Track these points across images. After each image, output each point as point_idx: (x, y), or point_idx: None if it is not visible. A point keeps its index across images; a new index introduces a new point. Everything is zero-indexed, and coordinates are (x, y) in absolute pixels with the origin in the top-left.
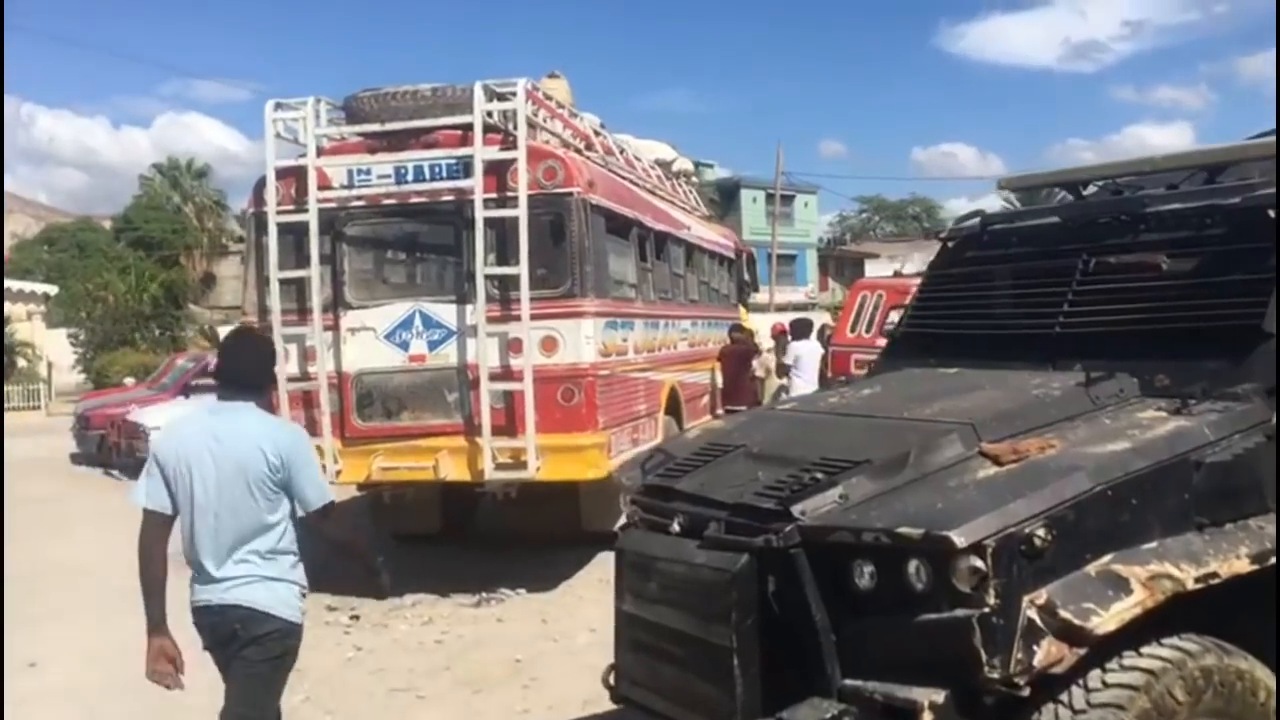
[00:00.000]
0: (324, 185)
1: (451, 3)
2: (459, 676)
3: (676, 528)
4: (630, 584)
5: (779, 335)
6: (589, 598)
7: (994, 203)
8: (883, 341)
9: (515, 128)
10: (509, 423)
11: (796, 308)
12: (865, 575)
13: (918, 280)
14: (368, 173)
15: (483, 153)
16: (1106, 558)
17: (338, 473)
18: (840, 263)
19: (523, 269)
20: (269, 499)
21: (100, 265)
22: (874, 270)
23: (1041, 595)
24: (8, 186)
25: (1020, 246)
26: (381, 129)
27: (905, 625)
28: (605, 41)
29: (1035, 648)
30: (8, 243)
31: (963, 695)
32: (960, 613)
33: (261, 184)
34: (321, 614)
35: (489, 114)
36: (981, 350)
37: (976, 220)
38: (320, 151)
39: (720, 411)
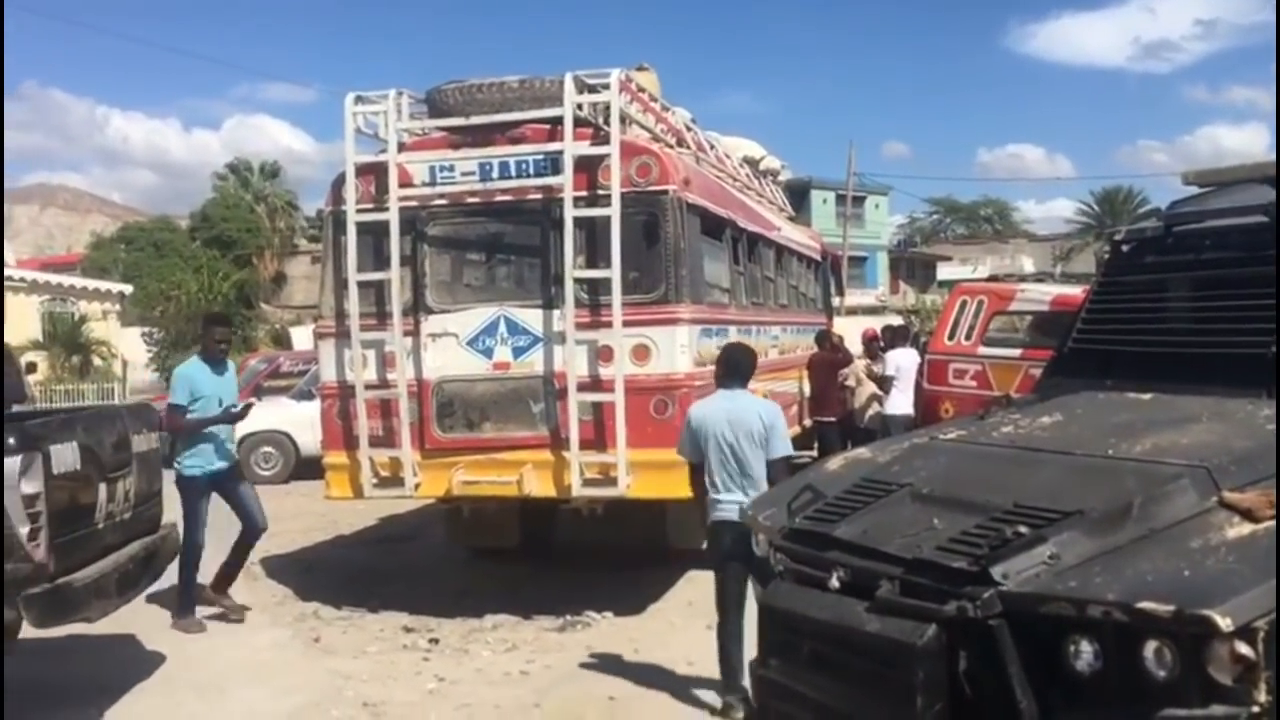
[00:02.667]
0: (405, 183)
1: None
2: (549, 715)
3: (836, 583)
4: (778, 648)
5: (870, 341)
6: (680, 623)
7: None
8: (983, 350)
9: (607, 122)
10: (598, 436)
11: (867, 311)
12: (1085, 656)
13: (1022, 286)
14: (451, 169)
15: (573, 148)
16: None
17: (417, 486)
18: (911, 265)
19: (614, 272)
20: (756, 449)
21: (175, 265)
22: (947, 273)
23: None
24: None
25: (1215, 251)
26: (466, 123)
27: None
28: (666, 43)
29: None
30: (85, 241)
31: None
32: (1219, 710)
33: (340, 181)
34: (399, 636)
35: (579, 107)
36: (1173, 371)
37: (1156, 221)
38: (401, 147)
39: (808, 423)
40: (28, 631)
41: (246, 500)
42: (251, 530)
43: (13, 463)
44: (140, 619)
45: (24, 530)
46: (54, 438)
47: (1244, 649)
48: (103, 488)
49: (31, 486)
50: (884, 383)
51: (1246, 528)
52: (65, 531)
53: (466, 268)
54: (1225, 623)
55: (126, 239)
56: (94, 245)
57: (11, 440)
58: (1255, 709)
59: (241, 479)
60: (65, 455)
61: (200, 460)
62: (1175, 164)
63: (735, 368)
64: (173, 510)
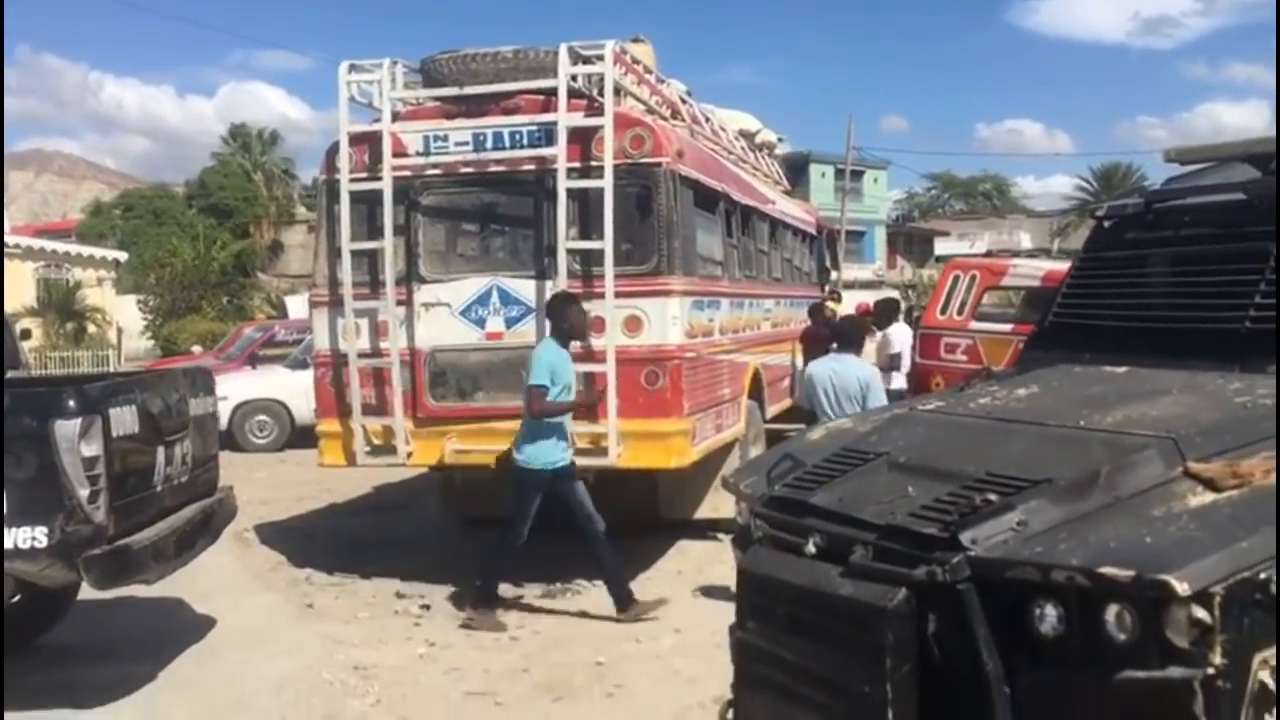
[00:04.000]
0: (399, 152)
1: None
2: (538, 680)
3: (812, 549)
4: (754, 611)
5: (863, 316)
6: (669, 591)
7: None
8: (975, 325)
9: (601, 93)
10: (588, 406)
11: (864, 286)
12: (1049, 620)
13: (1013, 261)
14: (445, 139)
15: (567, 119)
16: None
17: (409, 454)
18: (909, 240)
19: (607, 243)
20: (854, 406)
21: (173, 232)
22: (944, 248)
23: (1276, 654)
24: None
25: (1195, 228)
26: (460, 93)
27: (1099, 682)
28: (666, 16)
29: (1268, 716)
30: (81, 207)
31: None
32: (1176, 672)
33: (334, 150)
34: (390, 602)
35: (574, 78)
36: (1149, 346)
37: (1137, 198)
38: (395, 116)
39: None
40: None
41: (584, 498)
42: (595, 532)
43: (73, 425)
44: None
45: (84, 492)
46: (113, 401)
47: (1200, 613)
48: (160, 451)
49: (91, 449)
50: (894, 361)
51: (1209, 497)
52: (124, 494)
53: (460, 238)
54: (1183, 588)
55: (125, 205)
56: (93, 211)
57: (72, 403)
58: (1210, 671)
59: (576, 476)
60: (124, 418)
61: (545, 454)
62: (1174, 141)
63: (845, 337)
64: (229, 474)
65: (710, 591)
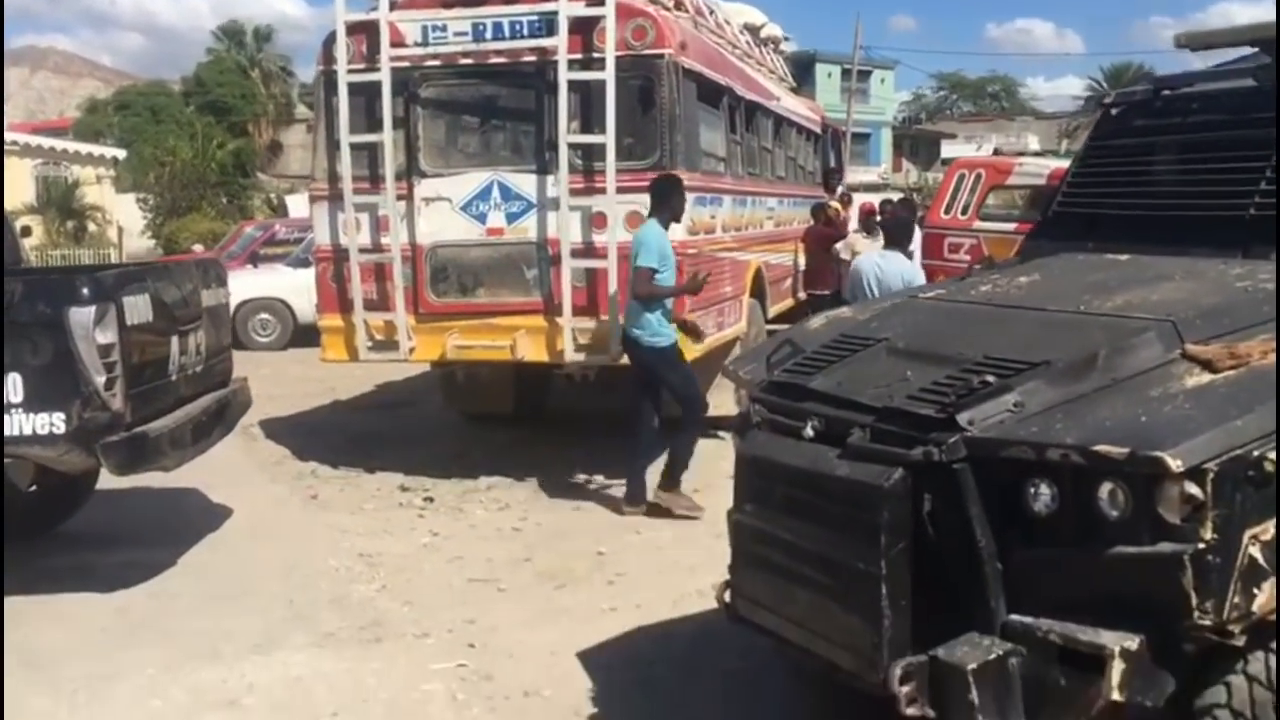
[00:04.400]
0: (397, 42)
1: None
2: (540, 569)
3: (810, 432)
4: (752, 493)
5: (867, 216)
6: None
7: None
8: (979, 225)
9: None
10: (590, 302)
11: (869, 189)
12: (1043, 498)
13: (1020, 160)
14: (444, 29)
15: (567, 9)
16: None
17: (411, 349)
18: (915, 142)
19: (609, 137)
20: None
21: (171, 130)
22: (951, 151)
23: (1268, 530)
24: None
25: (1203, 114)
26: None
27: (1091, 559)
28: None
29: (1256, 591)
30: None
31: (1158, 641)
32: (1167, 548)
33: (331, 40)
34: (395, 495)
35: None
36: (1153, 234)
37: (1146, 85)
38: (393, 5)
39: (802, 295)
40: None
41: (665, 392)
42: (649, 424)
43: (87, 312)
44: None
45: (100, 379)
46: (127, 289)
47: (1193, 489)
48: (175, 340)
49: (106, 336)
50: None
51: (1205, 377)
52: (140, 382)
53: (460, 131)
54: (1176, 464)
55: (122, 104)
56: (88, 109)
57: (85, 290)
58: (1200, 546)
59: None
60: (138, 307)
61: (666, 329)
62: None
63: (891, 235)
64: (242, 367)
65: (710, 487)
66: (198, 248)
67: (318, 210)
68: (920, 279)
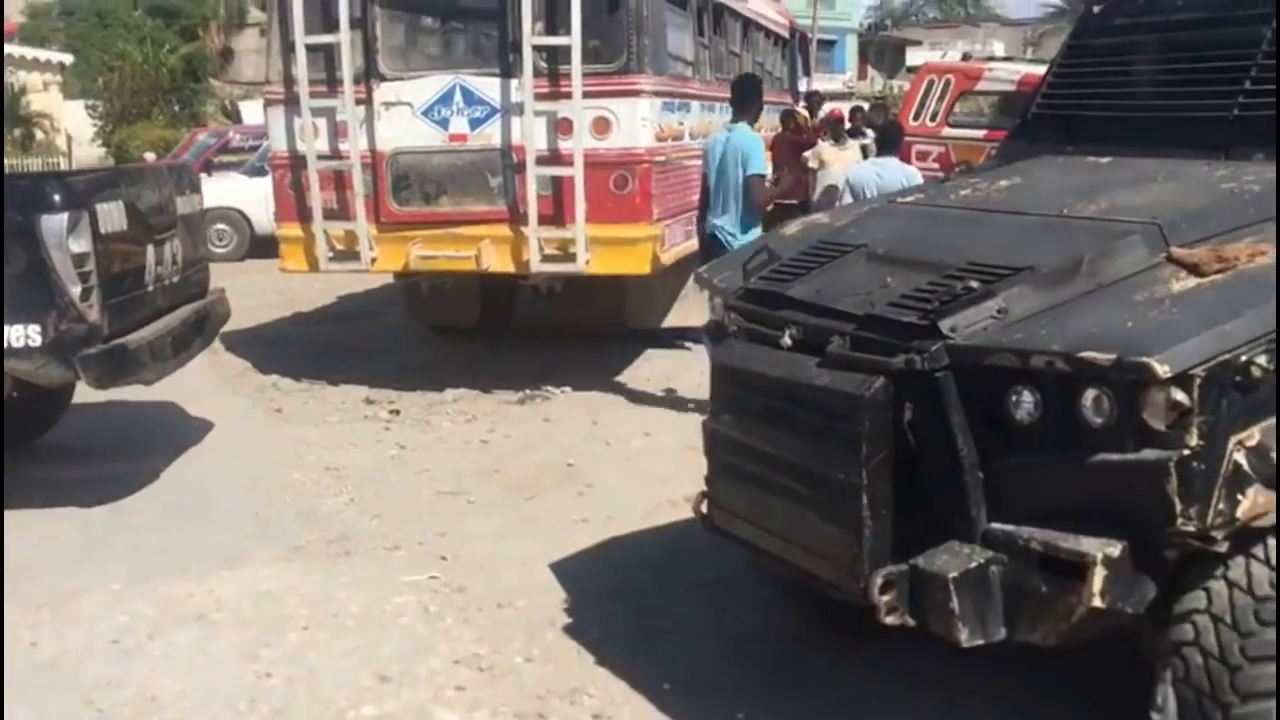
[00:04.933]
0: None
1: None
2: (509, 480)
3: (789, 341)
4: (729, 403)
5: (835, 123)
6: (638, 398)
7: None
8: (948, 131)
9: None
10: (556, 211)
11: (835, 97)
12: (1026, 406)
13: (989, 65)
14: None
15: None
16: None
17: (373, 260)
18: (881, 50)
19: (574, 40)
20: None
21: (119, 34)
22: (916, 58)
23: (1253, 435)
24: None
25: (1187, 13)
26: None
27: (1073, 466)
28: None
29: (1240, 497)
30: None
31: (1140, 548)
32: (1151, 454)
33: None
34: (359, 408)
35: None
36: (1135, 135)
37: None
38: None
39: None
40: None
41: None
42: None
43: (59, 220)
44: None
45: (75, 290)
46: (99, 196)
47: (1179, 395)
48: (150, 249)
49: (80, 245)
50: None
51: (1192, 281)
52: (117, 293)
53: (420, 33)
54: (1163, 370)
55: (68, 9)
56: (31, 14)
57: (57, 197)
58: (1185, 452)
59: None
60: (112, 214)
61: (757, 227)
62: None
63: (885, 140)
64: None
65: (678, 399)
66: (149, 156)
67: (273, 115)
68: (919, 181)
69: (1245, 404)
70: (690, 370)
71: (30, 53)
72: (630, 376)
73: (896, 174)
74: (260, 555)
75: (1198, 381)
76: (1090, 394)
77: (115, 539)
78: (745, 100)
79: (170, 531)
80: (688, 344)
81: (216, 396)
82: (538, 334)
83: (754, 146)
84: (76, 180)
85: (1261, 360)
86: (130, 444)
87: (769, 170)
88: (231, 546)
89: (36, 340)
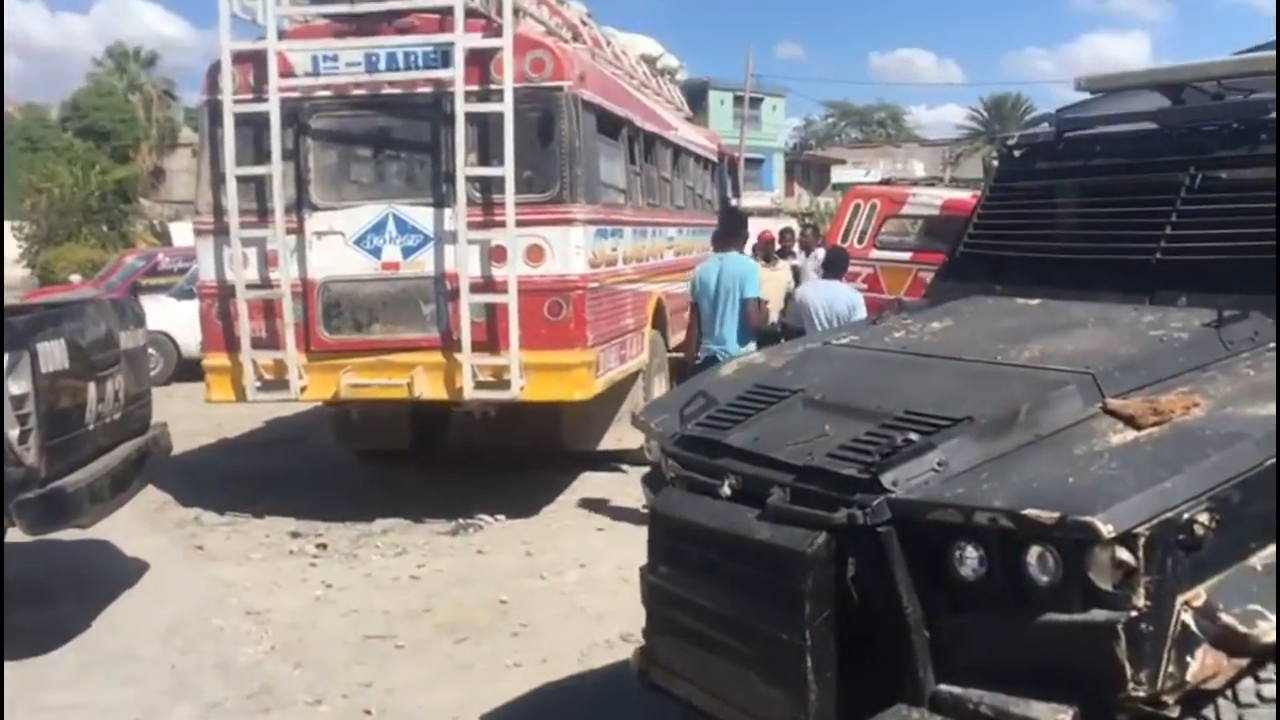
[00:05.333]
0: (286, 72)
1: None
2: (440, 621)
3: (728, 491)
4: (668, 555)
5: (766, 244)
6: (573, 525)
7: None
8: (875, 254)
9: (499, 13)
10: (490, 338)
11: (763, 213)
12: (970, 562)
13: (914, 190)
14: (335, 59)
15: (464, 40)
16: (1271, 548)
17: (302, 389)
18: (807, 167)
19: (508, 170)
20: None
21: (48, 157)
22: (841, 176)
23: (1200, 595)
24: None
25: (1106, 158)
26: (351, 10)
27: (1020, 625)
28: None
29: (1189, 659)
30: None
31: (1090, 713)
32: (1099, 615)
33: (216, 69)
34: (285, 542)
35: None
36: (1060, 278)
37: (1048, 126)
38: (282, 34)
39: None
40: None
41: None
42: None
43: None
44: None
45: (13, 433)
46: (41, 334)
47: (1125, 555)
48: (92, 387)
49: (19, 387)
50: None
51: (1129, 434)
52: (56, 434)
53: (353, 163)
54: (1107, 529)
55: None
56: None
57: None
58: (1134, 613)
59: None
60: (53, 353)
61: (751, 346)
62: (1060, 71)
63: (831, 265)
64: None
65: (615, 525)
66: (75, 278)
67: (202, 244)
68: (862, 304)
69: (1190, 563)
70: (627, 495)
71: None
72: (566, 501)
73: (842, 296)
74: (175, 714)
75: (1142, 540)
76: (1035, 551)
77: (22, 697)
78: (734, 230)
79: (79, 689)
80: (624, 466)
81: (135, 533)
82: (472, 457)
83: (750, 272)
84: (17, 320)
85: (1203, 518)
86: (40, 589)
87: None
88: (143, 703)
89: None
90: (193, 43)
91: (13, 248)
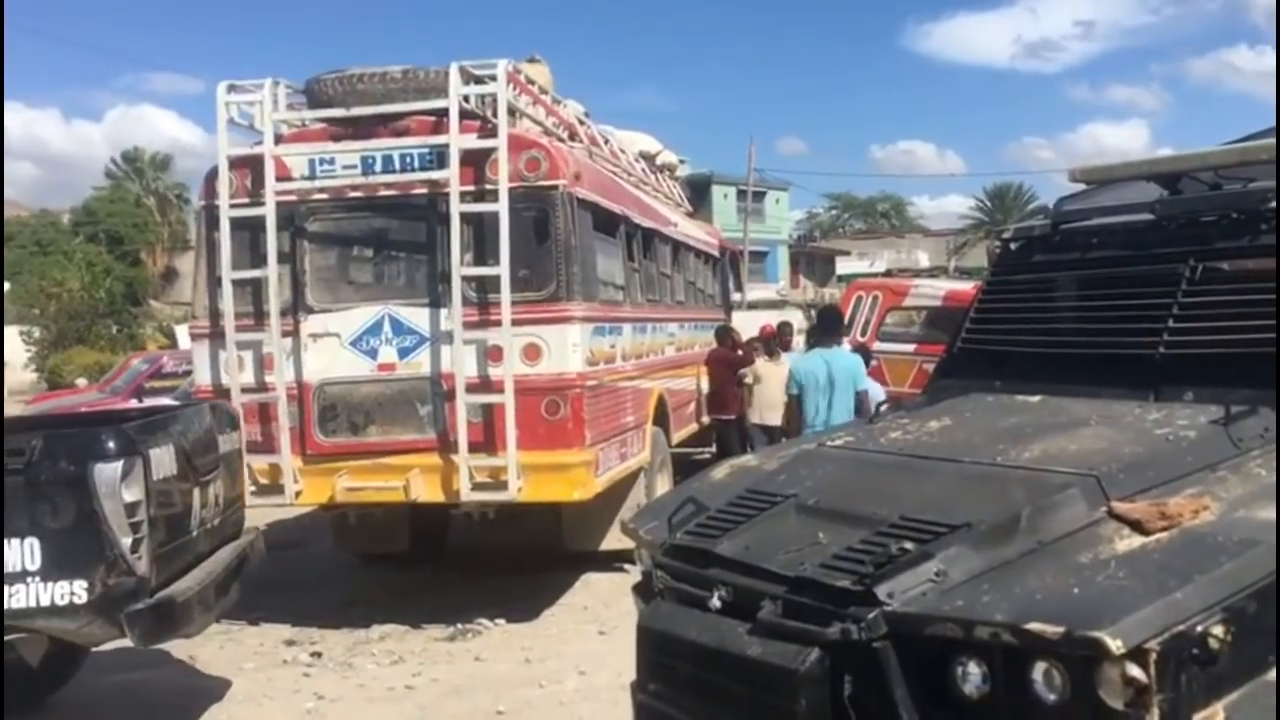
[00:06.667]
0: (283, 176)
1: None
2: None
3: (717, 603)
4: (656, 671)
5: (768, 339)
6: (574, 629)
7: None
8: (879, 346)
9: (495, 114)
10: (487, 438)
11: (769, 305)
12: (973, 679)
13: (914, 281)
14: (331, 162)
15: (459, 141)
16: None
17: (298, 493)
18: (811, 259)
19: (503, 269)
20: (849, 394)
21: (57, 262)
22: (845, 267)
23: (1217, 714)
24: None
25: (1103, 250)
26: (346, 114)
27: None
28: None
29: None
30: None
31: None
32: None
33: (213, 175)
34: (279, 650)
35: (466, 99)
36: (1060, 373)
37: (1043, 219)
38: (279, 139)
39: (705, 420)
40: None
41: None
42: None
43: (114, 468)
44: None
45: (126, 541)
46: (152, 440)
47: (1135, 671)
48: (196, 492)
49: (133, 494)
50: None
51: (1136, 540)
52: (164, 541)
53: (349, 265)
54: (1116, 645)
55: (6, 236)
56: None
57: (112, 444)
58: None
59: None
60: (163, 459)
61: None
62: (1060, 160)
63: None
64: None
65: (616, 628)
66: (81, 382)
67: (198, 348)
68: (863, 367)
69: (1205, 679)
70: (629, 596)
71: None
72: (567, 604)
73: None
74: None
75: (1153, 656)
76: (1040, 667)
77: None
78: (835, 327)
79: None
80: (627, 566)
81: (124, 644)
82: (472, 559)
83: (860, 366)
84: (130, 426)
85: (1218, 631)
86: (27, 708)
87: None
88: None
89: (83, 597)
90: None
91: (21, 352)
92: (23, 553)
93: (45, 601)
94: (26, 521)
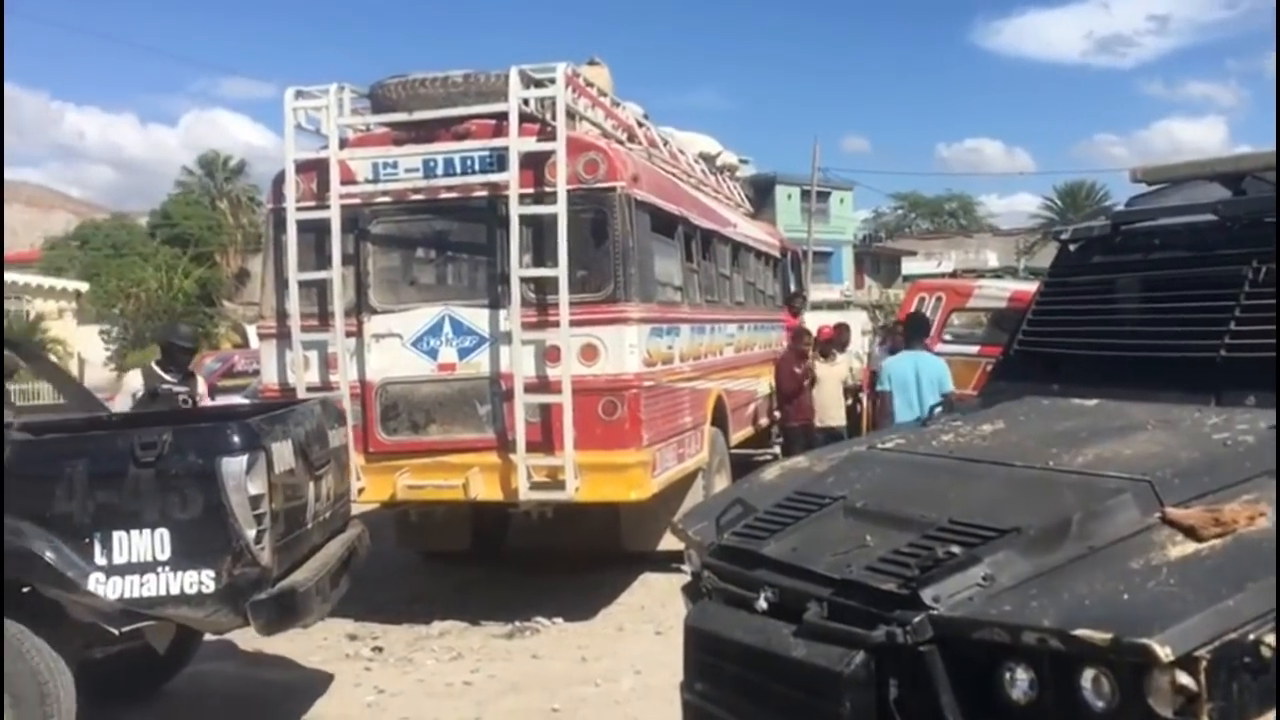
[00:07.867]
0: (347, 180)
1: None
2: None
3: (764, 604)
4: (702, 671)
5: (825, 342)
6: (630, 628)
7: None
8: (942, 347)
9: (554, 117)
10: (545, 438)
11: (832, 306)
12: (1020, 685)
13: (979, 282)
14: (394, 166)
15: (519, 144)
16: None
17: (360, 490)
18: (876, 260)
19: (561, 270)
20: (936, 394)
21: (134, 263)
22: (912, 267)
23: None
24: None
25: (1165, 251)
26: (409, 118)
27: None
28: (632, 39)
29: None
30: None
31: None
32: None
33: (280, 178)
34: (341, 644)
35: (525, 102)
36: (1118, 376)
37: (1104, 219)
38: (344, 143)
39: (764, 421)
40: None
41: None
42: None
43: (239, 462)
44: None
45: (251, 532)
46: (273, 434)
47: (1185, 679)
48: (311, 485)
49: (256, 487)
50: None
51: (1190, 547)
52: (284, 532)
53: (411, 266)
54: (1165, 652)
55: (83, 238)
56: (48, 246)
57: (237, 438)
58: None
59: None
60: (284, 453)
61: None
62: (1133, 158)
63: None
64: None
65: (672, 628)
66: None
67: (266, 348)
68: (948, 371)
69: (1258, 688)
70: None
71: (46, 281)
72: (624, 604)
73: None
74: None
75: (1204, 664)
76: (1089, 674)
77: None
78: (921, 331)
79: None
80: (682, 567)
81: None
82: (531, 558)
83: (945, 370)
84: (254, 421)
85: (1270, 639)
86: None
87: None
88: None
89: (210, 586)
90: (276, 151)
91: (99, 350)
92: (153, 543)
93: (175, 590)
94: (157, 513)
